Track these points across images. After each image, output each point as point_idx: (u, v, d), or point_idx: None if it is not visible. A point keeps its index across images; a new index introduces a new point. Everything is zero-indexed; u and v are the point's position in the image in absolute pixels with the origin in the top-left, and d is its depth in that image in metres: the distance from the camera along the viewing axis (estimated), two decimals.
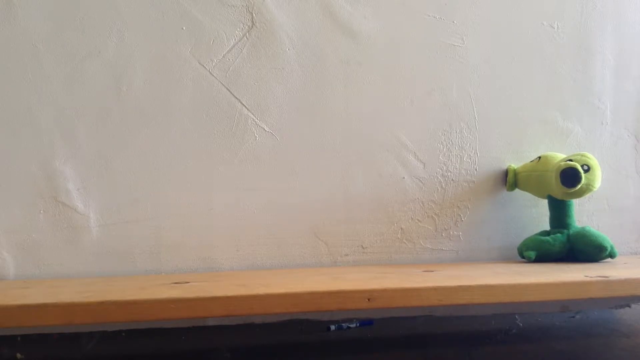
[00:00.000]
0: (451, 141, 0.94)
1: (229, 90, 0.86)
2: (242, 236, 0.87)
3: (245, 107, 0.87)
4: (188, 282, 0.67)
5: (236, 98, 0.86)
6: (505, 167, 0.96)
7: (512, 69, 0.97)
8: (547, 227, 0.92)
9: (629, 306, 1.52)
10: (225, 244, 0.86)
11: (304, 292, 0.59)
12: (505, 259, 0.95)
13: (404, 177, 0.92)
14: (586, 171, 0.84)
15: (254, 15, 0.87)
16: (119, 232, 0.83)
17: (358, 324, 1.05)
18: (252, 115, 0.87)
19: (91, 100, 0.83)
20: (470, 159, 0.95)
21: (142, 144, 0.84)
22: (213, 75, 0.86)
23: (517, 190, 0.96)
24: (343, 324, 1.02)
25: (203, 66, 0.86)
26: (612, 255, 0.84)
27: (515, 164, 0.95)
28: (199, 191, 0.85)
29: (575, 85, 1.00)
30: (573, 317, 1.45)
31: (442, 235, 0.94)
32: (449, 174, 0.94)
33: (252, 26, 0.87)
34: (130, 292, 0.60)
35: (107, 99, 0.83)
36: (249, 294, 0.58)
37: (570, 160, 0.85)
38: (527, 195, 0.95)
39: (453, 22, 0.93)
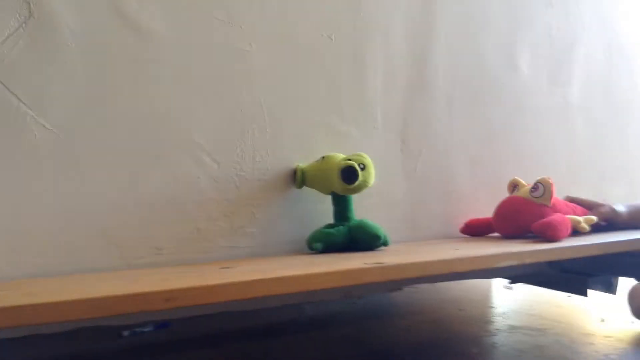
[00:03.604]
0: (244, 142, 0.98)
1: (3, 84, 0.78)
2: (23, 243, 0.78)
3: (23, 102, 0.79)
4: None
5: (12, 93, 0.78)
6: (294, 166, 1.03)
7: (297, 75, 1.04)
8: (332, 220, 1.00)
9: (401, 289, 1.73)
10: (3, 251, 0.77)
11: (98, 297, 0.56)
12: (297, 251, 1.01)
13: (199, 177, 0.93)
14: (362, 169, 0.94)
15: (31, 5, 0.80)
16: None
17: (153, 328, 1.02)
18: (30, 112, 0.79)
19: None
20: (262, 159, 1.00)
21: None
22: None
23: (306, 189, 1.03)
24: (137, 329, 0.98)
25: None
26: (385, 243, 0.95)
27: (302, 164, 1.02)
28: None
29: (351, 93, 1.12)
30: (355, 302, 1.60)
31: (237, 233, 0.97)
32: (243, 173, 0.98)
33: (30, 17, 0.80)
34: None
35: None
36: (38, 302, 0.53)
37: (349, 159, 0.95)
38: (314, 192, 1.03)
39: (241, 27, 0.98)
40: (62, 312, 0.54)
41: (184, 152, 0.92)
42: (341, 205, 1.00)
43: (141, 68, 0.88)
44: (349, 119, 1.11)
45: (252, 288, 0.64)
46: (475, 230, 1.24)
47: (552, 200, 1.10)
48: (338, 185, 0.95)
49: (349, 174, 0.93)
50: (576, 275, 1.22)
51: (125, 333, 0.99)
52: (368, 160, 0.97)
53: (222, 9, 0.95)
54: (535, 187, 1.10)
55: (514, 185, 1.20)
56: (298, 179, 1.01)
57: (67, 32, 0.82)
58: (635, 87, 1.80)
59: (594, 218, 1.10)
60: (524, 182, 1.19)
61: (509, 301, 1.77)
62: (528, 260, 0.89)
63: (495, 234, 1.20)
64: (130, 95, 0.87)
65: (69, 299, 0.54)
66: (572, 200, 1.21)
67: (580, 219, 1.06)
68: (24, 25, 0.79)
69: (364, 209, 1.12)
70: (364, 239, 0.95)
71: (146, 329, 1.03)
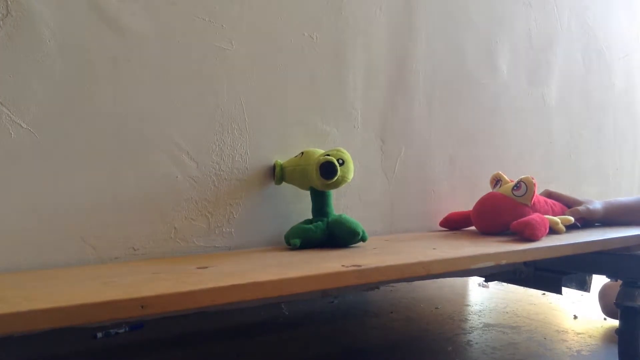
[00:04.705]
0: (223, 141, 0.97)
1: None
2: None
3: None
4: None
5: None
6: (272, 164, 1.02)
7: (277, 74, 1.04)
8: (310, 216, 1.00)
9: (378, 288, 1.74)
10: None
11: (72, 305, 0.55)
12: (275, 246, 1.01)
13: (177, 177, 0.92)
14: (341, 164, 0.94)
15: (9, 2, 0.78)
16: None
17: (127, 329, 1.01)
18: (6, 111, 0.78)
19: None
20: (241, 158, 0.99)
21: None
22: None
23: (285, 186, 1.03)
24: (111, 330, 0.97)
25: None
26: (363, 239, 0.95)
27: (281, 159, 1.02)
28: None
29: (332, 93, 1.12)
30: (332, 302, 1.61)
31: (215, 232, 0.96)
32: (221, 173, 0.97)
33: (7, 14, 0.78)
34: None
35: None
36: (10, 312, 0.52)
37: (328, 154, 0.95)
38: (293, 190, 1.03)
39: (222, 26, 0.97)
40: (32, 322, 0.52)
41: (162, 151, 0.91)
42: (320, 201, 0.99)
43: (120, 67, 0.87)
44: (329, 119, 1.11)
45: (228, 294, 0.64)
46: (455, 224, 1.25)
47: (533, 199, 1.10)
48: (317, 181, 0.94)
49: (328, 170, 0.92)
50: (551, 274, 1.23)
51: (100, 334, 0.98)
52: (347, 155, 0.97)
53: (202, 7, 0.94)
54: (518, 186, 1.11)
55: (496, 180, 1.20)
56: (277, 174, 1.01)
57: (45, 30, 0.81)
58: (611, 87, 1.84)
59: (571, 219, 1.11)
60: (507, 178, 1.18)
61: (484, 299, 1.80)
62: (504, 261, 0.90)
63: (473, 228, 1.20)
64: (109, 94, 0.86)
65: (39, 308, 0.53)
66: (550, 194, 1.23)
67: (558, 219, 1.08)
68: (0, 23, 0.77)
69: (343, 207, 1.13)
70: (342, 235, 0.94)
71: (120, 330, 1.02)
